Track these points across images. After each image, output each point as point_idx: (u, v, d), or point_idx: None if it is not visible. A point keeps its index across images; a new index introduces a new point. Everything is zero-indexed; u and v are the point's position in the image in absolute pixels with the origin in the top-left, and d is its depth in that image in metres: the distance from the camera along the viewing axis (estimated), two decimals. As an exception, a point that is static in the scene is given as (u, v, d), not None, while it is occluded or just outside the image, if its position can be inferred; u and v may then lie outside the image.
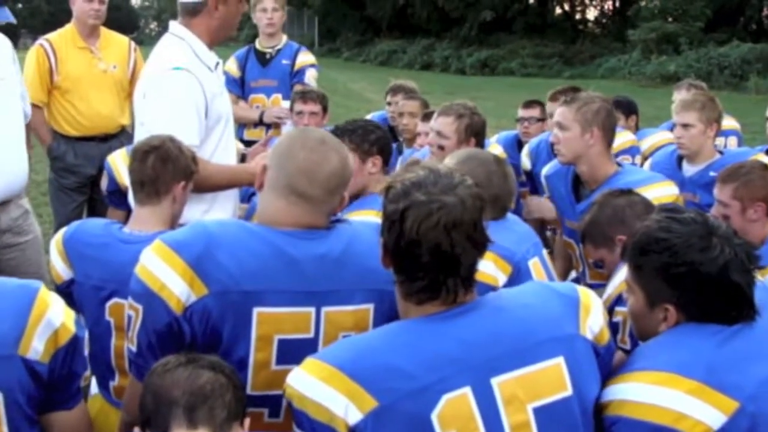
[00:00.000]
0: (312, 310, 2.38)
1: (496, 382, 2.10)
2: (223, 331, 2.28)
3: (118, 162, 4.46)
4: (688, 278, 2.36)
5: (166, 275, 2.32)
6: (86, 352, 2.45)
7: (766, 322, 2.39)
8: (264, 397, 2.34)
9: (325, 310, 2.39)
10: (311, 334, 2.37)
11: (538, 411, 2.12)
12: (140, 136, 3.65)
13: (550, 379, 2.17)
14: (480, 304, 2.23)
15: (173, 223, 3.28)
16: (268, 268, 2.34)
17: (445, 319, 2.17)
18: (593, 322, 2.32)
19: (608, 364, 2.41)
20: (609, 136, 4.07)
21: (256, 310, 2.31)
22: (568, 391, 2.17)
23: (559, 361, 2.19)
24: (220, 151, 3.91)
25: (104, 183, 4.37)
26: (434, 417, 2.02)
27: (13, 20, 4.53)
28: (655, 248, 2.42)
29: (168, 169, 3.20)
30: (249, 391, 2.36)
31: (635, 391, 2.23)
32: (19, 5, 56.83)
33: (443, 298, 2.18)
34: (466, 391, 2.07)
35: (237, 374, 2.21)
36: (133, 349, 2.43)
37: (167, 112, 3.68)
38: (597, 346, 2.31)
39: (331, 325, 2.38)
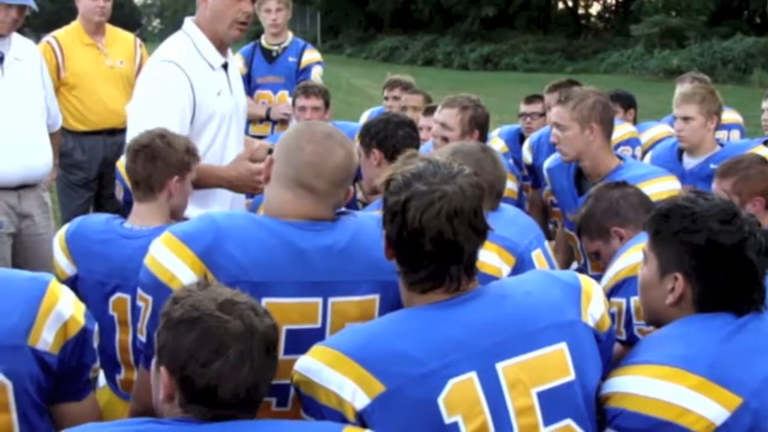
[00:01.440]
0: (319, 300, 2.41)
1: (500, 366, 2.14)
2: None
3: None
4: (704, 246, 2.37)
5: (176, 267, 2.35)
6: (95, 344, 2.48)
7: None
8: (272, 387, 2.33)
9: (331, 300, 2.42)
10: (318, 324, 2.40)
11: (541, 395, 2.15)
12: (128, 125, 3.74)
13: (554, 364, 2.20)
14: (483, 292, 2.27)
15: (178, 215, 3.31)
16: (276, 259, 2.37)
17: (449, 306, 2.20)
18: (594, 309, 2.36)
19: (609, 349, 2.46)
20: (608, 129, 4.09)
21: (265, 301, 2.33)
22: (571, 376, 2.21)
23: (562, 346, 2.23)
24: (216, 149, 3.94)
25: (119, 193, 4.42)
26: (441, 401, 2.06)
27: (33, 6, 4.61)
28: (676, 214, 2.44)
29: (158, 166, 3.22)
30: None
31: (638, 385, 2.25)
32: (22, 3, 56.65)
33: (447, 286, 2.22)
34: (472, 375, 2.10)
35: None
36: (143, 339, 2.47)
37: (146, 102, 3.75)
38: (598, 333, 2.35)
39: (337, 316, 2.41)
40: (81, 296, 3.11)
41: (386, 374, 2.07)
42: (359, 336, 2.18)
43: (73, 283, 3.16)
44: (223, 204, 3.97)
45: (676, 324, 2.39)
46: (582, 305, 2.34)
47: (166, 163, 3.22)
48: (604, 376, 2.36)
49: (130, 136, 3.68)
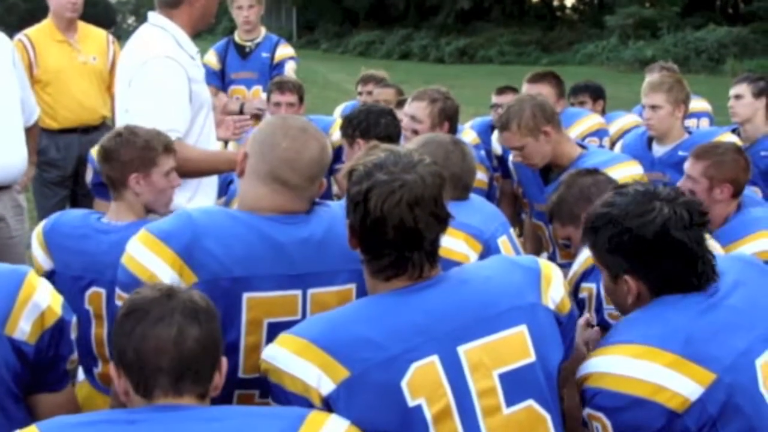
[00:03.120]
0: (299, 292, 2.45)
1: (462, 350, 2.18)
2: None
3: None
4: (632, 245, 2.44)
5: (155, 265, 2.38)
6: (73, 336, 2.51)
7: (745, 294, 2.46)
8: (254, 380, 2.39)
9: (311, 292, 2.46)
10: (299, 316, 2.44)
11: (503, 377, 2.20)
12: (125, 122, 3.69)
13: (514, 346, 2.24)
14: (444, 278, 2.32)
15: (157, 208, 3.31)
16: (255, 253, 2.41)
17: (411, 292, 2.25)
18: (554, 292, 2.40)
19: (570, 331, 2.51)
20: (557, 122, 4.18)
21: (246, 296, 2.38)
22: (532, 358, 2.25)
23: (522, 329, 2.27)
24: (204, 137, 3.97)
25: (89, 175, 4.43)
26: (404, 384, 2.10)
27: None
28: (600, 224, 2.52)
29: (114, 167, 3.24)
30: (240, 374, 2.43)
31: (615, 364, 2.30)
32: (-4, 2, 56.30)
33: (409, 273, 2.26)
34: (434, 359, 2.14)
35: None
36: None
37: (153, 99, 3.74)
38: (559, 315, 2.40)
39: (317, 307, 2.45)
40: (58, 291, 3.15)
41: (350, 360, 2.11)
42: (323, 323, 2.22)
43: (50, 277, 3.15)
44: (210, 193, 4.03)
45: (650, 305, 2.45)
46: (542, 288, 2.38)
47: (120, 162, 3.22)
48: (584, 358, 2.41)
49: None
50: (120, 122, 3.85)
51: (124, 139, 3.23)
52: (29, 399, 2.45)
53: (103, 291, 3.06)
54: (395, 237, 2.21)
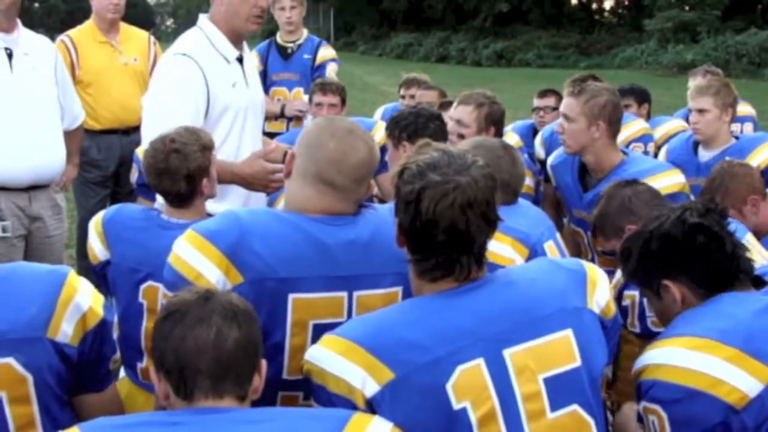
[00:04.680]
0: (344, 294, 2.44)
1: (508, 353, 2.16)
2: (258, 317, 2.26)
3: None
4: (659, 246, 2.48)
5: (202, 265, 2.37)
6: (115, 335, 2.52)
7: None
8: (299, 382, 2.36)
9: (356, 294, 2.45)
10: (344, 318, 2.43)
11: (548, 381, 2.17)
12: (143, 118, 3.78)
13: (560, 350, 2.22)
14: (491, 280, 2.29)
15: (216, 191, 3.35)
16: (301, 254, 2.40)
17: (457, 294, 2.23)
18: (600, 296, 2.38)
19: (614, 336, 2.49)
20: (614, 128, 4.09)
21: (292, 297, 2.37)
22: (577, 362, 2.23)
23: (568, 333, 2.25)
24: (230, 142, 3.96)
25: (134, 175, 4.45)
26: (449, 387, 2.08)
27: None
28: (628, 244, 2.60)
29: (182, 183, 3.21)
30: (284, 375, 2.43)
31: (672, 356, 2.27)
32: (36, 4, 57.03)
33: (456, 275, 2.24)
34: (480, 362, 2.12)
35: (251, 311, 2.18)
36: None
37: (160, 94, 3.79)
38: (604, 319, 2.38)
39: (362, 309, 2.43)
40: (111, 281, 3.20)
41: (395, 361, 2.09)
42: (368, 325, 2.20)
43: (104, 268, 3.22)
44: (238, 199, 3.99)
45: (710, 302, 2.42)
46: (587, 292, 2.36)
47: (189, 176, 3.22)
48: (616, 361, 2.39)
49: (145, 130, 3.77)
50: (143, 118, 3.90)
51: (185, 154, 3.20)
52: (73, 400, 2.45)
53: (159, 286, 3.04)
54: (445, 239, 2.19)
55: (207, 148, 3.29)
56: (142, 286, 3.14)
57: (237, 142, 4.01)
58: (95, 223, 3.27)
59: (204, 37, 3.91)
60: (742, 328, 2.26)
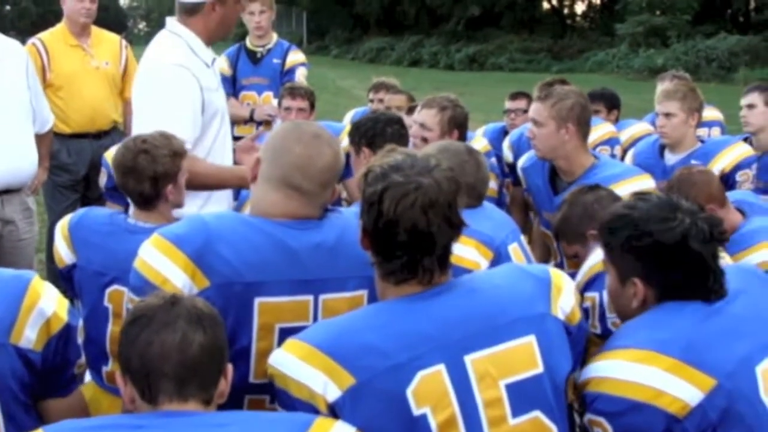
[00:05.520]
0: (310, 298, 2.45)
1: (469, 359, 2.17)
2: (225, 321, 2.28)
3: None
4: (650, 249, 2.45)
5: (168, 269, 2.37)
6: (80, 340, 2.50)
7: (747, 302, 2.47)
8: (265, 385, 2.37)
9: (322, 297, 2.46)
10: (310, 322, 2.43)
11: (510, 387, 2.18)
12: (137, 129, 3.72)
13: (522, 356, 2.23)
14: (454, 285, 2.30)
15: (183, 200, 3.36)
16: (267, 259, 2.41)
17: (420, 299, 2.24)
18: (564, 302, 2.39)
19: (580, 342, 2.48)
20: (584, 130, 4.10)
21: (258, 301, 2.38)
22: (539, 369, 2.24)
23: (531, 339, 2.26)
24: (218, 145, 3.96)
25: (103, 179, 4.44)
26: (409, 393, 2.09)
27: None
28: (619, 224, 2.53)
29: (147, 185, 3.22)
30: (251, 379, 2.43)
31: (615, 368, 2.30)
32: (7, 7, 56.56)
33: (419, 278, 2.25)
34: (440, 368, 2.13)
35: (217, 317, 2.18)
36: None
37: (161, 107, 3.73)
38: (568, 326, 2.38)
39: (328, 312, 2.44)
40: (77, 285, 3.20)
41: (356, 367, 2.11)
42: (330, 329, 2.21)
43: (70, 271, 3.22)
44: (222, 201, 4.00)
45: (651, 311, 2.46)
46: (552, 298, 2.37)
47: (154, 179, 3.22)
48: (583, 364, 2.41)
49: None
50: (135, 129, 3.83)
51: (153, 156, 3.22)
52: (38, 405, 2.45)
53: (125, 290, 3.02)
54: (407, 240, 2.20)
55: (177, 154, 3.29)
56: (108, 290, 3.14)
57: (223, 142, 4.03)
58: (62, 227, 3.27)
59: (184, 43, 3.87)
60: (681, 337, 2.30)
